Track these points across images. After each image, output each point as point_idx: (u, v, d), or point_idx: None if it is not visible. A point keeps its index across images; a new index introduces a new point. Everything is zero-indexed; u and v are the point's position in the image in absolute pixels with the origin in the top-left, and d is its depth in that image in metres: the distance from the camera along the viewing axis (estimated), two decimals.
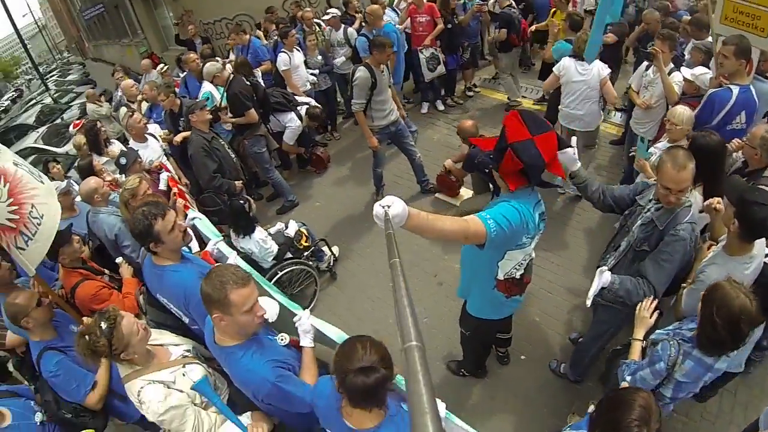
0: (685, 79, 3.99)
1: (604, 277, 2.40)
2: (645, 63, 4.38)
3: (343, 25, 6.84)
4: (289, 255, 4.07)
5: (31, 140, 10.67)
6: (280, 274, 3.92)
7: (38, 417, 2.55)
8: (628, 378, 2.17)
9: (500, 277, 2.40)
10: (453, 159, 5.12)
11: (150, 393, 2.03)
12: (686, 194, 2.28)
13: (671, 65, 4.14)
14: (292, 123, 5.79)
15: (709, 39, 4.11)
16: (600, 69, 4.34)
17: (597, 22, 4.43)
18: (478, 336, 3.00)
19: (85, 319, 2.83)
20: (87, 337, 1.97)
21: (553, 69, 4.68)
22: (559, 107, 4.76)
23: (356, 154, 6.74)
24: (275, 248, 3.96)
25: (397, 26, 6.67)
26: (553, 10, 6.36)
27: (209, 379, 2.22)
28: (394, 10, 7.15)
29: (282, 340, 2.18)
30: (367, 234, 5.12)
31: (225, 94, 5.33)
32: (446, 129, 6.94)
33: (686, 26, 5.09)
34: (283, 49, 6.18)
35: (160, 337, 2.39)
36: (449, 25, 6.71)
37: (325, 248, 4.57)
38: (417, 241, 4.32)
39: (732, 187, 2.46)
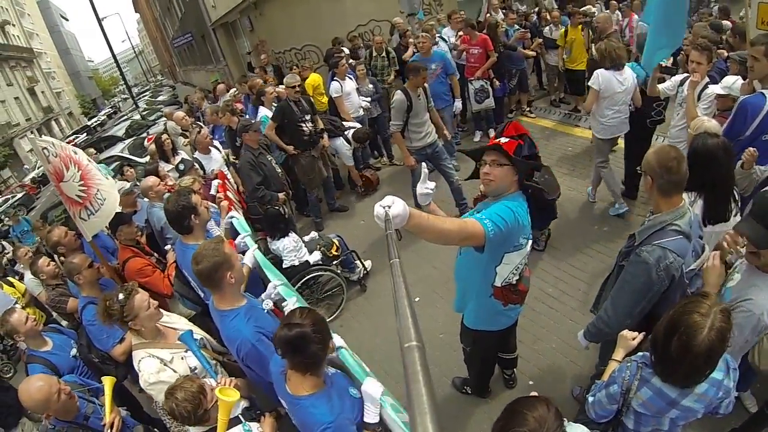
0: (718, 96, 3.64)
1: (581, 340, 2.45)
2: (681, 75, 4.03)
3: None
4: (318, 260, 4.34)
5: (117, 150, 12.03)
6: (307, 277, 4.21)
7: (73, 351, 3.10)
8: (590, 399, 1.99)
9: (498, 283, 2.40)
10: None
11: (147, 364, 2.41)
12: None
13: (707, 79, 3.77)
14: (341, 148, 6.19)
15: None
16: (632, 75, 4.32)
17: (656, 27, 3.86)
18: (479, 351, 2.94)
19: None
20: (107, 302, 2.40)
21: (590, 84, 4.50)
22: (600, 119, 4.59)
23: (406, 177, 6.93)
24: (306, 255, 4.27)
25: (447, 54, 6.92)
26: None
27: (195, 334, 2.57)
28: (444, 39, 7.41)
29: (267, 305, 2.52)
30: (404, 251, 5.29)
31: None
32: None
33: (729, 38, 4.87)
34: (335, 78, 6.60)
35: (176, 321, 2.79)
36: (497, 55, 6.90)
37: (357, 261, 4.81)
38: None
39: (752, 228, 1.96)
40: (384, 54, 7.65)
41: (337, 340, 2.17)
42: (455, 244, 2.32)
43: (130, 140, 13.12)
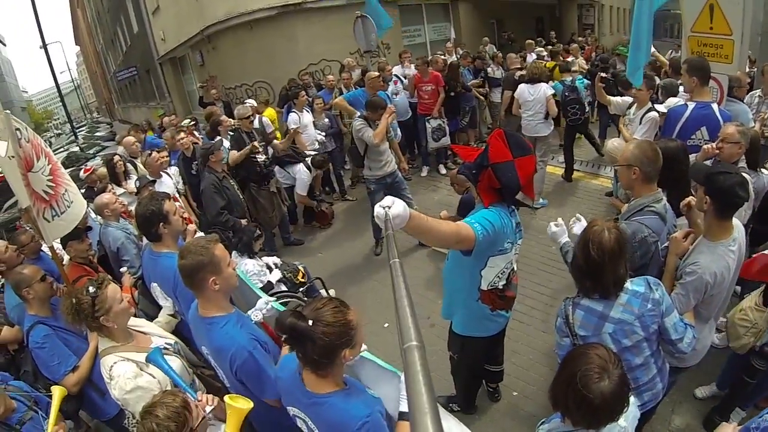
0: (661, 114, 4.18)
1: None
2: (630, 99, 4.80)
3: None
4: (284, 288, 4.23)
5: (59, 161, 11.26)
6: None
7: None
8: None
9: (484, 287, 2.47)
10: (448, 212, 5.37)
11: (121, 368, 2.08)
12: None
13: (649, 104, 4.40)
14: (301, 173, 6.17)
15: None
16: (546, 89, 5.79)
17: (634, 43, 4.49)
18: (467, 359, 2.94)
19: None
20: (74, 297, 2.12)
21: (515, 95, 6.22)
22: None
23: (359, 211, 7.04)
24: (267, 276, 4.15)
25: (397, 95, 7.21)
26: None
27: (162, 351, 2.21)
28: (398, 77, 7.72)
29: (256, 316, 2.33)
30: (366, 281, 5.34)
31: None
32: (446, 190, 7.24)
33: (666, 69, 5.68)
34: (293, 110, 6.67)
35: (146, 325, 2.51)
36: (452, 93, 7.28)
37: (321, 290, 4.73)
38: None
39: (696, 171, 2.49)
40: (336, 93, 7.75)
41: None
42: (450, 247, 2.43)
43: (67, 171, 12.41)
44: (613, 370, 1.51)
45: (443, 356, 3.19)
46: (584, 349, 1.62)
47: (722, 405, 2.98)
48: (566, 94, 6.47)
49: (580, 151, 7.73)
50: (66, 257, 3.63)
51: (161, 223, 2.68)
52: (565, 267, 4.68)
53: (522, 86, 6.01)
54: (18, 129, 2.76)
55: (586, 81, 6.91)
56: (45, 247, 3.50)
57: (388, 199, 1.67)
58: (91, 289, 2.12)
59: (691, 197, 2.48)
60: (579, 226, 2.72)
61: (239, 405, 1.82)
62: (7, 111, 2.87)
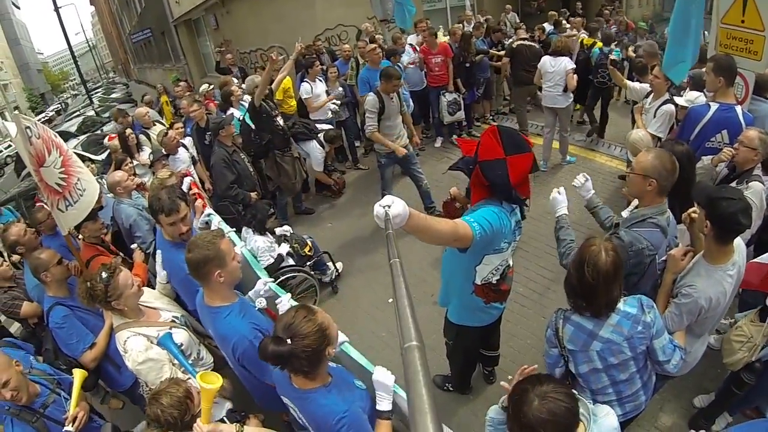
0: (679, 107, 4.04)
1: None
2: (648, 88, 4.55)
3: None
4: (291, 262, 4.31)
5: (71, 146, 11.37)
6: (282, 278, 4.14)
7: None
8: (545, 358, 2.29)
9: (478, 281, 2.49)
10: (458, 187, 5.35)
11: (134, 343, 2.29)
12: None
13: (666, 95, 4.21)
14: (315, 150, 6.17)
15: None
16: (567, 62, 5.95)
17: (674, 34, 4.00)
18: (461, 345, 3.01)
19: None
20: (88, 282, 2.29)
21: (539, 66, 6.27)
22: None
23: (371, 181, 7.04)
24: (277, 249, 4.24)
25: (413, 64, 7.09)
26: None
27: (181, 336, 2.45)
28: (415, 46, 7.57)
29: (260, 303, 2.44)
30: (373, 254, 5.35)
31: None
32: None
33: None
34: (306, 79, 6.60)
35: (155, 301, 2.67)
36: (467, 64, 7.13)
37: (329, 263, 4.81)
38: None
39: (699, 191, 2.43)
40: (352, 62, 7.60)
41: (339, 336, 2.08)
42: (448, 245, 2.43)
43: (84, 137, 12.50)
44: (547, 389, 1.46)
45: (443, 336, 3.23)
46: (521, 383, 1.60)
47: (708, 409, 3.01)
48: (600, 58, 6.81)
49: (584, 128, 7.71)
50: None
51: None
52: None
53: (545, 58, 6.19)
54: (28, 127, 2.81)
55: (620, 52, 7.16)
56: None
57: (388, 199, 1.68)
58: (104, 276, 2.27)
59: (693, 210, 2.38)
60: (558, 199, 2.73)
61: (208, 386, 1.95)
62: (16, 112, 2.97)
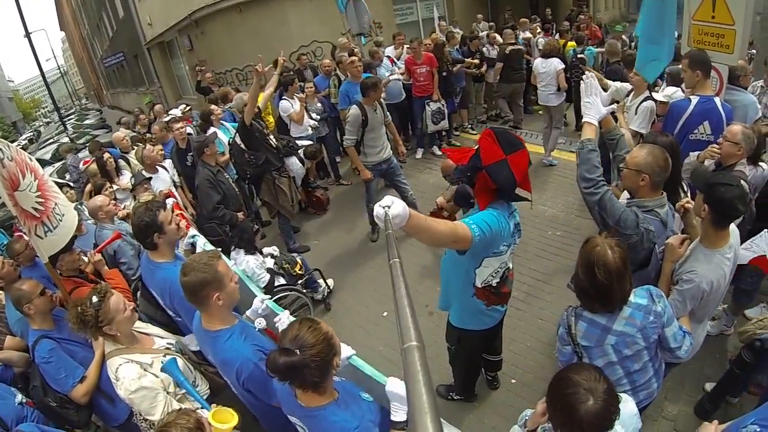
0: (658, 103, 4.13)
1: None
2: (629, 87, 4.58)
3: None
4: (282, 281, 4.25)
5: (47, 174, 11.11)
6: (274, 298, 4.05)
7: (18, 398, 2.72)
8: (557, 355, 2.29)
9: (478, 284, 2.48)
10: (444, 197, 5.38)
11: (126, 370, 2.20)
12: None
13: (646, 93, 4.28)
14: (294, 166, 6.11)
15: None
16: (557, 63, 6.53)
17: (646, 31, 4.07)
18: (463, 350, 2.99)
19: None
20: (79, 307, 2.18)
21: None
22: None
23: (355, 196, 7.02)
24: (267, 278, 4.15)
25: (391, 76, 7.14)
26: None
27: (179, 363, 2.33)
28: (393, 59, 7.66)
29: (259, 323, 2.36)
30: (363, 269, 5.33)
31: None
32: None
33: None
34: (284, 96, 6.57)
35: (147, 327, 2.59)
36: (444, 73, 7.24)
37: (320, 280, 4.76)
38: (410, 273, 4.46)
39: (698, 177, 2.49)
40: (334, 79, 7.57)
41: (345, 350, 2.06)
42: (447, 246, 2.43)
43: (59, 164, 12.27)
44: (598, 387, 1.50)
45: (442, 345, 3.21)
46: (566, 372, 1.61)
47: (713, 394, 3.04)
48: (574, 59, 7.41)
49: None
50: None
51: (156, 234, 2.66)
52: (561, 253, 4.85)
53: (537, 60, 6.89)
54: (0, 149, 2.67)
55: (595, 50, 8.13)
56: None
57: (388, 199, 1.66)
58: (95, 300, 2.17)
59: (686, 199, 2.45)
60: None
61: (223, 425, 1.84)
62: None
